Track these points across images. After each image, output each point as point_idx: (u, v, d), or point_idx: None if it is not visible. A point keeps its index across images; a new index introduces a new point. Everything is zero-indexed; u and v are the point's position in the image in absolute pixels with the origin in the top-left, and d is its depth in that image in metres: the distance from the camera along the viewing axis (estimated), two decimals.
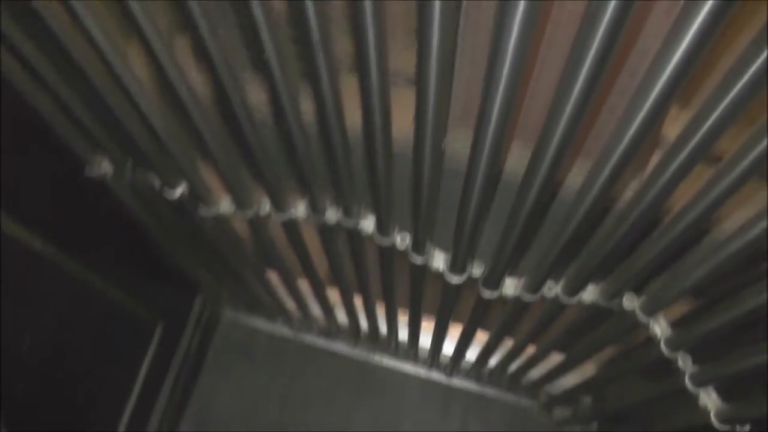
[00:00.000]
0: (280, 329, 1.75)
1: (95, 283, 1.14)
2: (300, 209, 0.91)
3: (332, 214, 0.88)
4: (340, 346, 1.74)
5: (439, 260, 0.89)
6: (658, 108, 0.46)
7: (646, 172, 0.63)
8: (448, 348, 1.50)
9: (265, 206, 0.92)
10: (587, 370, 1.49)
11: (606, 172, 0.56)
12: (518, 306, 0.97)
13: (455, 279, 0.89)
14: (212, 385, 1.72)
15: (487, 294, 0.91)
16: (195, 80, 0.69)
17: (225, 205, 0.94)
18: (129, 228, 1.18)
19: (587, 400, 1.61)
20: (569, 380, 1.51)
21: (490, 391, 1.70)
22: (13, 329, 0.95)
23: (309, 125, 0.70)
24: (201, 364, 1.72)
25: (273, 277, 1.36)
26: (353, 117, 0.64)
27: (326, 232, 0.95)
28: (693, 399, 0.91)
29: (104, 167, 0.97)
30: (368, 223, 0.88)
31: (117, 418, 1.37)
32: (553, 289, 0.90)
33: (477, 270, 0.88)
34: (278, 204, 0.91)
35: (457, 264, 0.86)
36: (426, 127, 0.56)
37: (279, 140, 0.75)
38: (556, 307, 0.96)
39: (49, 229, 0.97)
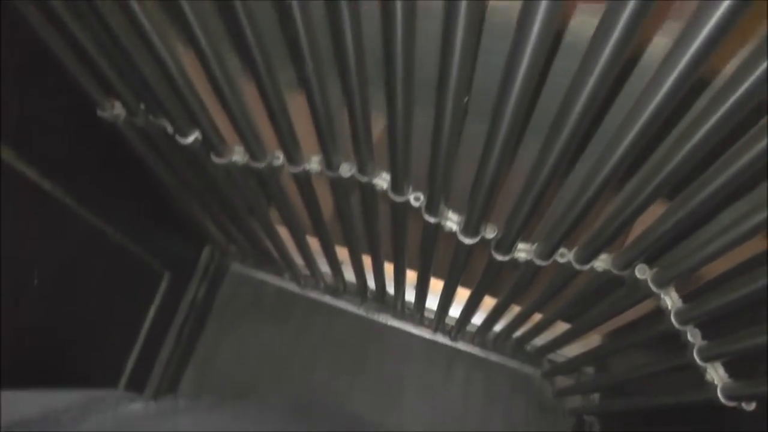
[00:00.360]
0: (288, 284, 1.75)
1: (103, 229, 1.13)
2: (314, 163, 0.90)
3: (346, 169, 0.87)
4: (347, 304, 1.74)
5: (452, 221, 0.88)
6: None
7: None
8: (455, 312, 1.50)
9: (279, 158, 0.91)
10: (592, 340, 1.49)
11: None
12: (529, 271, 0.96)
13: (468, 241, 0.88)
14: (217, 336, 1.72)
15: (499, 257, 0.90)
16: (211, 24, 0.67)
17: (238, 154, 0.93)
18: (140, 175, 1.17)
19: (590, 371, 1.61)
20: (573, 350, 1.51)
21: (493, 357, 1.70)
22: (19, 268, 0.95)
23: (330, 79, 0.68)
24: (206, 315, 1.73)
25: (282, 232, 1.35)
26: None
27: (339, 186, 0.94)
28: (699, 374, 0.91)
29: (116, 110, 0.96)
30: (382, 181, 0.87)
31: (121, 364, 1.38)
32: (566, 255, 0.90)
33: (490, 233, 0.87)
34: (292, 157, 0.89)
35: (470, 226, 0.85)
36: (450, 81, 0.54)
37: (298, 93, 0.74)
38: (567, 274, 0.95)
39: (59, 171, 0.96)
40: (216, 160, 0.94)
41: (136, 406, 0.44)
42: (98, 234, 1.13)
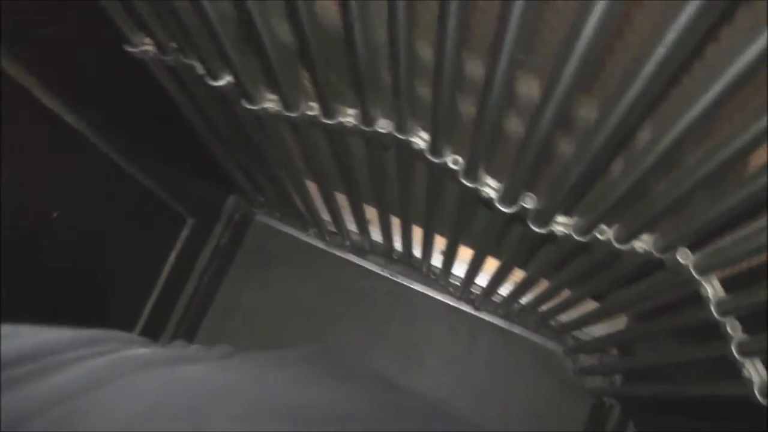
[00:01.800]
0: (312, 239, 1.72)
1: (128, 170, 1.11)
2: (349, 117, 0.86)
3: (384, 125, 0.82)
4: (372, 264, 1.71)
5: (490, 188, 0.84)
6: None
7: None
8: (481, 281, 1.47)
9: (313, 110, 0.87)
10: (619, 321, 1.45)
11: None
12: (565, 246, 0.92)
13: (505, 209, 0.83)
14: (238, 286, 1.71)
15: (537, 229, 0.86)
16: None
17: (270, 102, 0.89)
18: (169, 118, 1.14)
19: (613, 352, 1.57)
20: (599, 329, 1.47)
21: (516, 329, 1.67)
22: (40, 201, 0.93)
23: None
24: (228, 264, 1.71)
25: (311, 186, 1.32)
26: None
27: (373, 143, 0.90)
28: (736, 369, 0.86)
29: (146, 46, 0.92)
30: (420, 141, 0.83)
31: (138, 308, 1.37)
32: (605, 233, 0.85)
33: (530, 203, 0.83)
34: (327, 109, 0.85)
35: (510, 194, 0.81)
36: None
37: (340, 45, 0.69)
38: (604, 252, 0.90)
39: (86, 107, 0.93)
40: (247, 105, 0.90)
41: (143, 351, 0.41)
42: (123, 174, 1.10)
